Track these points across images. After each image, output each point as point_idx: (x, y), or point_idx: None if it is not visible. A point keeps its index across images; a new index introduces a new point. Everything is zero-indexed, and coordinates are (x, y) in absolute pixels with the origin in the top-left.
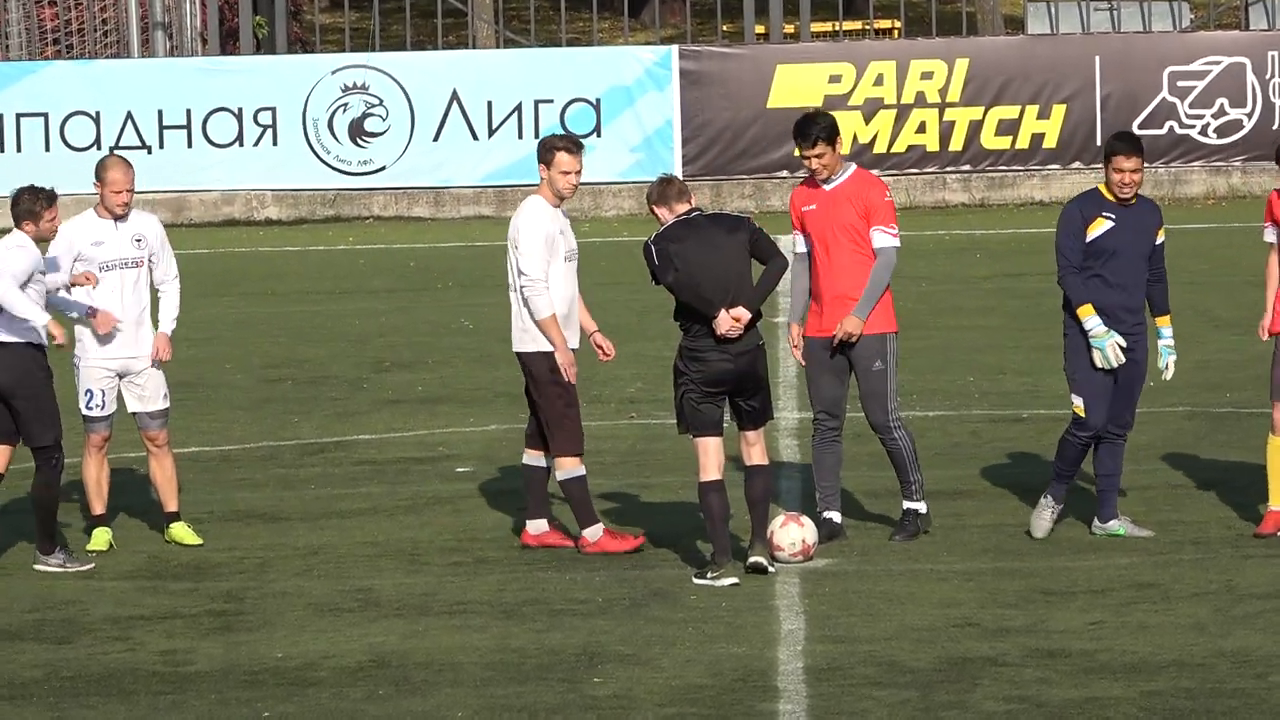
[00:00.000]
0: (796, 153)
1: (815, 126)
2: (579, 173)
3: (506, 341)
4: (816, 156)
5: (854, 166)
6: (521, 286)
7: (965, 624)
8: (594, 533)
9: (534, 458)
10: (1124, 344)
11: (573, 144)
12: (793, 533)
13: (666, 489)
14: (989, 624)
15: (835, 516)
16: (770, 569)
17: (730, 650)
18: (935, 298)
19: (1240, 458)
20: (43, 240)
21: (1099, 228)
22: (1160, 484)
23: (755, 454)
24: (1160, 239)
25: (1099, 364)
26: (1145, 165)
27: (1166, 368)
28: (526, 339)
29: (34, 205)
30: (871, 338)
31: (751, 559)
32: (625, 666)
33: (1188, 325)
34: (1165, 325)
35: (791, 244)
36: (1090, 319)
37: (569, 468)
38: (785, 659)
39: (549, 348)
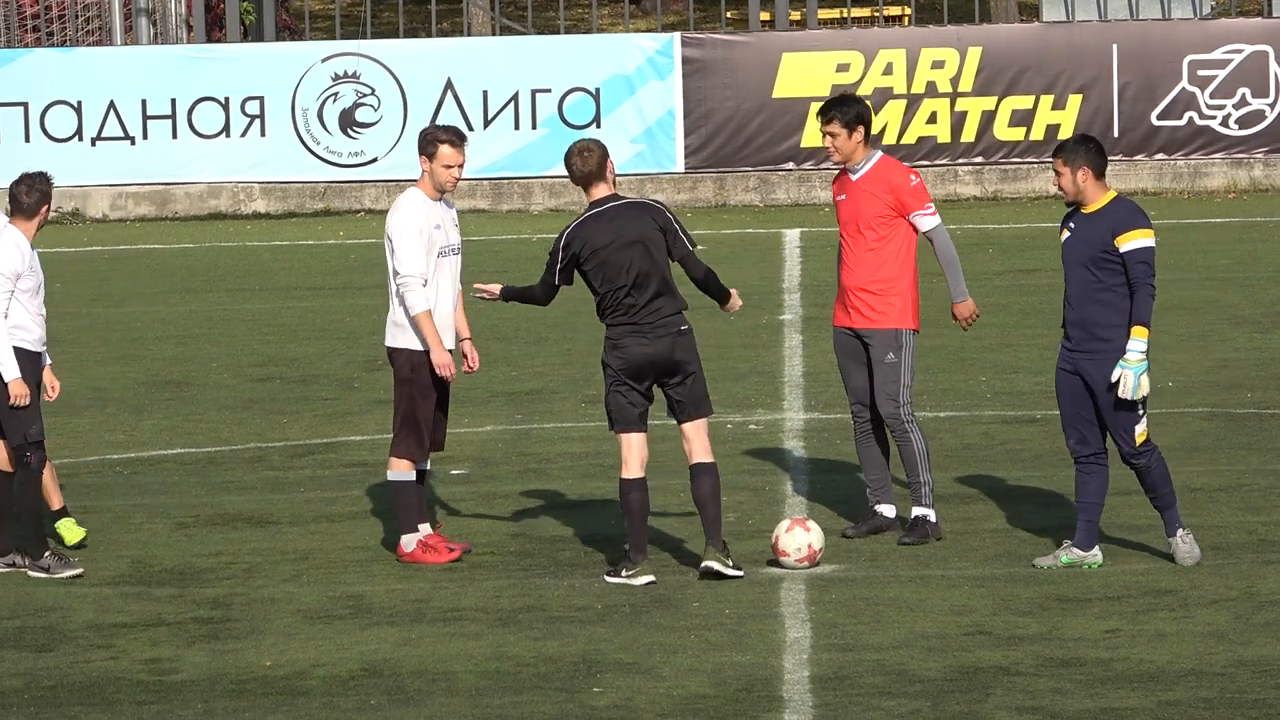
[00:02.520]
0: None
1: (835, 105)
2: (461, 166)
3: (503, 340)
4: (829, 134)
5: (878, 154)
6: (397, 284)
7: (977, 632)
8: (409, 542)
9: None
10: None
11: (456, 136)
12: (798, 537)
13: (666, 492)
14: (1001, 632)
15: (888, 510)
16: (729, 571)
17: (734, 659)
18: (945, 294)
19: (1261, 460)
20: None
21: (1063, 237)
22: (1178, 487)
23: (696, 450)
24: (1127, 245)
25: None
26: (1165, 157)
27: (1118, 382)
28: (397, 334)
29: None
30: (888, 332)
31: (705, 563)
32: (625, 676)
33: (1207, 322)
34: (1133, 338)
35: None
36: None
37: (400, 470)
38: (791, 668)
39: (416, 346)
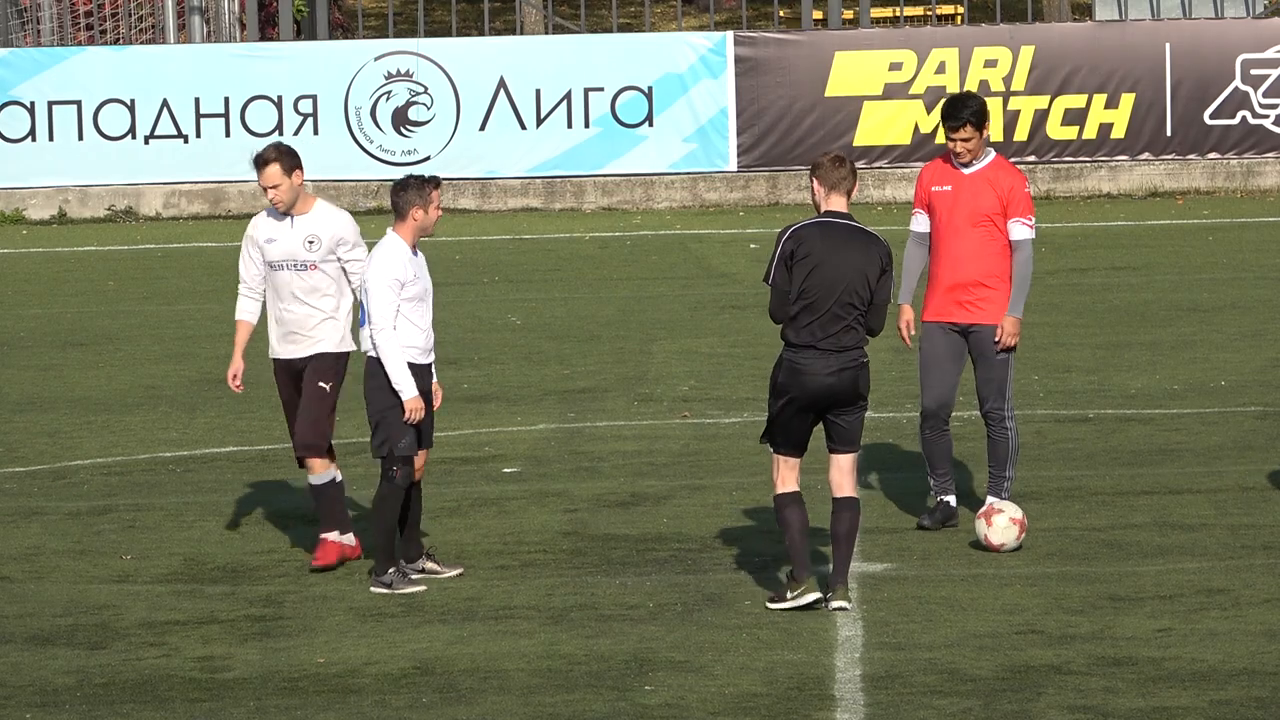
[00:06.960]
0: (940, 136)
1: (965, 109)
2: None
3: (556, 339)
4: (963, 140)
5: (994, 153)
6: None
7: (1029, 630)
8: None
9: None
10: None
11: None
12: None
13: (720, 490)
14: (1053, 631)
15: (952, 500)
16: (850, 606)
17: (786, 657)
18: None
19: None
20: (425, 233)
21: None
22: (1232, 486)
23: (847, 484)
24: None
25: None
26: (1218, 157)
27: None
28: (342, 342)
29: (420, 191)
30: (996, 327)
31: (835, 603)
32: (677, 674)
33: (1260, 321)
34: None
35: (911, 222)
36: None
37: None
38: (843, 666)
39: (322, 350)
